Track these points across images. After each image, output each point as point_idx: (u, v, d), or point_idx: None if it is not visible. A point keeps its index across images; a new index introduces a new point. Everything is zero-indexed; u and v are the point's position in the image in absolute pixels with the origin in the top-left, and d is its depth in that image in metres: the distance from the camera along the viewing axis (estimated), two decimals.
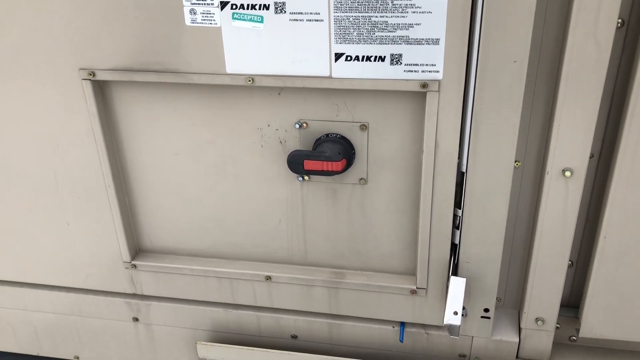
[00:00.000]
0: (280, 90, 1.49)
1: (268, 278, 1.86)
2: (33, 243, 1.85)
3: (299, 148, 1.51)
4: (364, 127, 1.60)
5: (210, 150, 1.64)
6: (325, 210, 1.76)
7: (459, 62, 1.38)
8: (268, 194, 1.77)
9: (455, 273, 1.73)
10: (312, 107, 1.51)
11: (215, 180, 1.77)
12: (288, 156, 1.59)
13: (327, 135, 1.63)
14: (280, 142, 1.67)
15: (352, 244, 1.80)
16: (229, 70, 1.47)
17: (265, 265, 1.88)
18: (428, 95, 1.44)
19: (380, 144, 1.62)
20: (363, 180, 1.68)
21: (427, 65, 1.40)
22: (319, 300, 1.81)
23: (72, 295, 1.95)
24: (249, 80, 1.48)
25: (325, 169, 1.58)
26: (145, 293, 1.89)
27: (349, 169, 1.65)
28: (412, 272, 1.81)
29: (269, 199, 1.78)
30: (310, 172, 1.60)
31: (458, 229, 1.68)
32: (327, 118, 1.61)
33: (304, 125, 1.63)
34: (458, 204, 1.63)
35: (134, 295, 1.92)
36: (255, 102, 1.58)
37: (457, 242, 1.70)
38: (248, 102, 1.61)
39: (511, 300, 1.78)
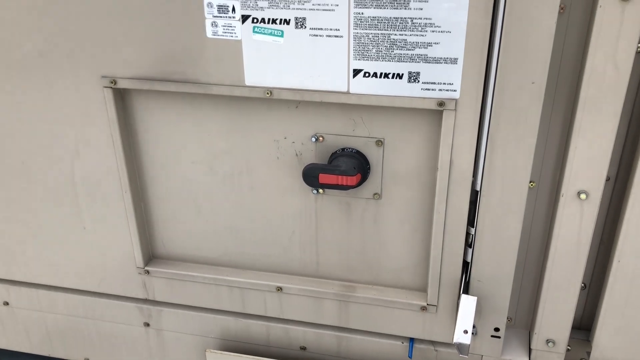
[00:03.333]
0: (298, 104, 1.51)
1: (279, 289, 1.87)
2: (49, 245, 1.88)
3: (314, 161, 1.52)
4: (379, 142, 1.61)
5: (227, 160, 1.66)
6: (338, 224, 1.77)
7: (477, 82, 1.38)
8: (282, 206, 1.78)
9: (466, 291, 1.72)
10: (329, 121, 1.52)
11: (231, 190, 1.78)
12: (303, 169, 1.60)
13: (342, 149, 1.64)
14: (296, 154, 1.68)
15: (364, 258, 1.81)
16: (247, 83, 1.49)
17: (277, 276, 1.89)
18: (445, 114, 1.44)
19: (396, 160, 1.62)
20: (377, 195, 1.69)
21: (444, 84, 1.41)
22: (328, 313, 1.81)
23: (85, 298, 1.98)
24: (268, 93, 1.49)
25: (340, 183, 1.59)
26: (157, 299, 1.90)
27: (364, 183, 1.66)
28: (423, 288, 1.81)
29: (283, 210, 1.79)
30: (324, 186, 1.61)
31: (470, 247, 1.68)
32: (343, 132, 1.62)
33: (320, 139, 1.64)
34: (471, 222, 1.63)
35: (145, 301, 1.94)
36: (272, 115, 1.59)
37: (469, 260, 1.69)
38: (265, 114, 1.62)
39: (522, 320, 1.77)
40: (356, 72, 1.45)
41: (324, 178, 1.59)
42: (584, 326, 1.70)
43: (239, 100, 1.52)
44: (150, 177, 1.78)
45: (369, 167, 1.64)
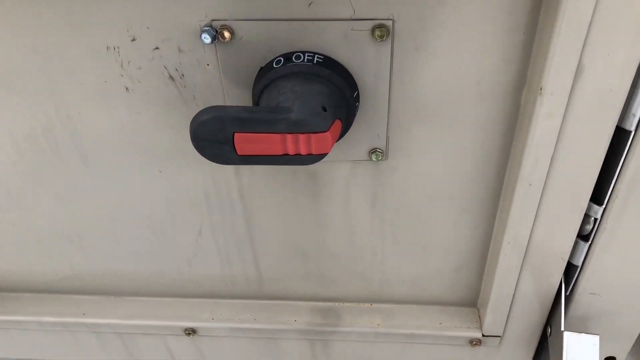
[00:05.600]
0: None
1: (190, 332, 0.95)
2: None
3: (216, 102, 0.70)
4: (382, 30, 0.61)
5: (24, 112, 0.64)
6: (293, 208, 0.82)
7: None
8: (164, 188, 0.80)
9: (565, 312, 0.85)
10: None
11: (42, 168, 0.78)
12: (192, 125, 0.61)
13: (287, 58, 0.64)
14: (171, 77, 0.67)
15: (350, 263, 0.89)
16: None
17: (184, 308, 0.96)
18: None
19: (423, 70, 0.65)
20: (378, 154, 0.73)
21: None
22: None
23: None
24: None
25: (289, 151, 0.62)
26: None
27: (347, 133, 0.69)
28: (467, 303, 0.93)
29: (169, 196, 0.81)
30: (252, 161, 0.63)
31: (587, 240, 0.77)
32: (285, 13, 0.61)
33: (226, 34, 0.63)
34: (597, 196, 0.71)
35: None
36: None
37: (578, 261, 0.80)
38: None
39: None
40: None
41: (246, 143, 0.61)
42: None
43: None
44: None
45: (357, 95, 0.66)
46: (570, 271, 0.82)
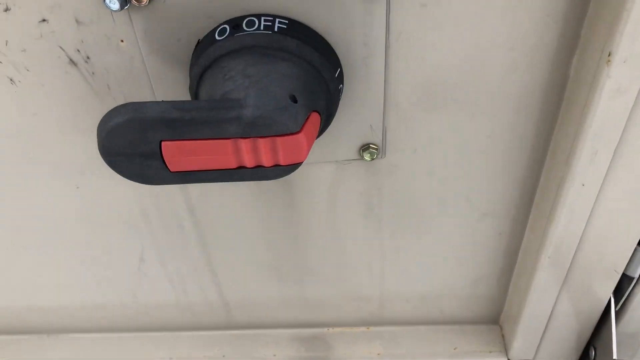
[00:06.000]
0: None
1: None
2: None
3: (141, 93, 0.50)
4: None
5: None
6: (262, 222, 0.62)
7: None
8: (86, 208, 0.60)
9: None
10: None
11: None
12: (100, 133, 0.40)
13: (236, 26, 0.43)
14: (72, 61, 0.46)
15: (340, 282, 0.70)
16: None
17: (134, 345, 0.77)
18: None
19: (434, 34, 0.45)
20: (372, 151, 0.53)
21: None
22: None
23: None
24: None
25: (249, 163, 0.41)
26: None
27: (329, 127, 0.49)
28: (488, 320, 0.75)
29: (94, 217, 0.61)
30: (196, 177, 0.43)
31: None
32: None
33: None
34: None
35: None
36: None
37: (636, 273, 0.62)
38: None
39: None
40: None
41: (180, 156, 0.41)
42: None
43: None
44: None
45: (340, 74, 0.46)
46: (623, 283, 0.64)
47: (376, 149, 0.53)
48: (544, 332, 0.69)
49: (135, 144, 0.41)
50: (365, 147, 0.53)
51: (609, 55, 0.41)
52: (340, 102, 0.49)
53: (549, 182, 0.55)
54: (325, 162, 0.55)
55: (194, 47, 0.45)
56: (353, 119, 0.51)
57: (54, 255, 0.66)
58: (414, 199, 0.59)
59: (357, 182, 0.57)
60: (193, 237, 0.63)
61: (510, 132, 0.52)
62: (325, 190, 0.58)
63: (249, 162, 0.42)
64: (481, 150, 0.54)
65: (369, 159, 0.54)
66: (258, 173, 0.43)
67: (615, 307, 0.67)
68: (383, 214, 0.61)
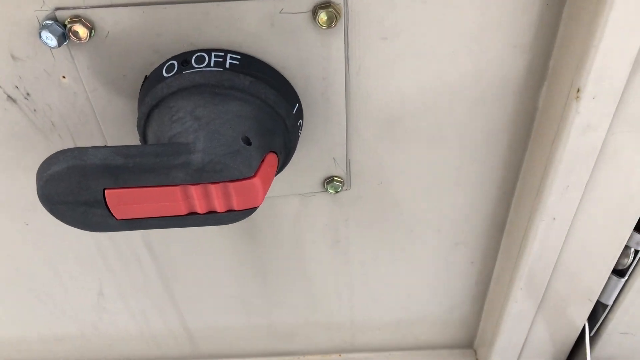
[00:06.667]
0: None
1: None
2: None
3: (88, 130, 0.48)
4: (329, 11, 0.38)
5: None
6: (224, 254, 0.60)
7: None
8: (38, 244, 0.57)
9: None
10: None
11: None
12: (39, 181, 0.37)
13: (184, 62, 0.40)
14: (10, 97, 0.43)
15: (309, 312, 0.68)
16: None
17: None
18: None
19: (396, 66, 0.43)
20: (336, 185, 0.50)
21: None
22: None
23: None
24: None
25: (201, 209, 0.39)
26: None
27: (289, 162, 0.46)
28: (462, 344, 0.73)
29: (46, 253, 0.58)
30: (144, 224, 0.40)
31: (623, 275, 0.57)
32: None
33: (79, 29, 0.39)
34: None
35: None
36: None
37: (610, 300, 0.60)
38: None
39: None
40: None
41: (127, 204, 0.38)
42: None
43: None
44: None
45: (298, 110, 0.44)
46: (597, 310, 0.63)
47: (340, 182, 0.51)
48: (519, 357, 0.68)
49: (77, 192, 0.38)
50: (329, 180, 0.51)
51: (577, 91, 0.39)
52: (302, 135, 0.47)
53: (520, 214, 0.53)
54: (289, 195, 0.53)
55: (141, 83, 0.42)
56: (315, 152, 0.48)
57: (6, 290, 0.63)
58: (383, 230, 0.57)
59: (322, 214, 0.55)
60: (152, 272, 0.60)
61: (479, 164, 0.50)
62: (290, 222, 0.56)
63: (200, 208, 0.40)
64: (450, 182, 0.52)
65: (333, 192, 0.51)
66: (211, 219, 0.41)
67: (590, 332, 0.66)
68: (350, 244, 0.58)
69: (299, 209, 0.54)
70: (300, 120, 0.45)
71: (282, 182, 0.51)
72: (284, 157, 0.44)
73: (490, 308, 0.66)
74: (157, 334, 0.70)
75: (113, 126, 0.45)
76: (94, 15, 0.39)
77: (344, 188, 0.52)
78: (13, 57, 0.41)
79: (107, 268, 0.60)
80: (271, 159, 0.41)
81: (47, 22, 0.39)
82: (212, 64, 0.40)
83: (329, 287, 0.64)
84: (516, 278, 0.55)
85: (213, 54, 0.41)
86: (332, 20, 0.39)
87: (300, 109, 0.44)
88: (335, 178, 0.50)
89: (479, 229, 0.57)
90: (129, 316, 0.67)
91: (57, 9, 0.39)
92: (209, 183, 0.38)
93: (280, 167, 0.45)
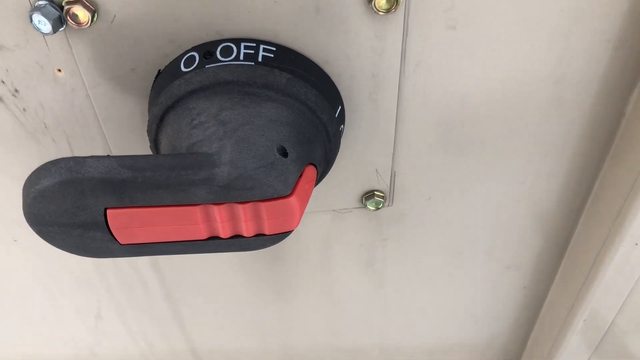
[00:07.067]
0: None
1: None
2: None
3: (87, 134, 0.40)
4: None
5: None
6: (242, 276, 0.53)
7: None
8: (28, 262, 0.50)
9: None
10: None
11: None
12: (25, 198, 0.30)
13: (207, 54, 0.33)
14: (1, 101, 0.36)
15: (331, 338, 0.61)
16: None
17: None
18: None
19: (462, 62, 0.35)
20: (378, 200, 0.43)
21: None
22: None
23: None
24: None
25: (224, 233, 0.31)
26: None
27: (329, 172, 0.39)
28: None
29: (37, 272, 0.50)
30: (154, 250, 0.32)
31: None
32: None
33: (79, 12, 0.31)
34: None
35: None
36: None
37: None
38: None
39: None
40: None
41: (133, 227, 0.30)
42: None
43: None
44: None
45: (341, 113, 0.36)
46: None
47: (382, 197, 0.43)
48: None
49: (72, 212, 0.31)
50: (369, 195, 0.43)
51: None
52: (340, 144, 0.39)
53: (590, 236, 0.45)
54: (320, 211, 0.45)
55: (153, 79, 0.35)
56: (355, 163, 0.41)
57: None
58: (426, 252, 0.49)
59: (358, 233, 0.47)
60: (158, 294, 0.53)
61: (547, 179, 0.43)
62: (319, 242, 0.48)
63: (223, 232, 0.32)
64: (510, 199, 0.45)
65: (372, 209, 0.44)
66: (235, 244, 0.34)
67: None
68: (387, 266, 0.51)
69: (331, 226, 0.47)
70: (342, 126, 0.37)
71: (312, 196, 0.44)
72: (323, 170, 0.37)
73: (538, 337, 0.58)
74: (161, 358, 0.63)
75: (118, 130, 0.38)
76: None
77: (386, 204, 0.44)
78: None
79: (106, 290, 0.52)
80: (310, 174, 0.33)
81: (40, 3, 0.31)
82: (241, 57, 0.33)
83: (357, 311, 0.57)
84: (580, 308, 0.48)
85: (243, 44, 0.33)
86: (391, 5, 0.31)
87: (342, 113, 0.37)
88: (376, 193, 0.43)
89: (535, 251, 0.49)
90: (130, 339, 0.59)
91: None
92: (236, 202, 0.31)
93: (317, 182, 0.37)
